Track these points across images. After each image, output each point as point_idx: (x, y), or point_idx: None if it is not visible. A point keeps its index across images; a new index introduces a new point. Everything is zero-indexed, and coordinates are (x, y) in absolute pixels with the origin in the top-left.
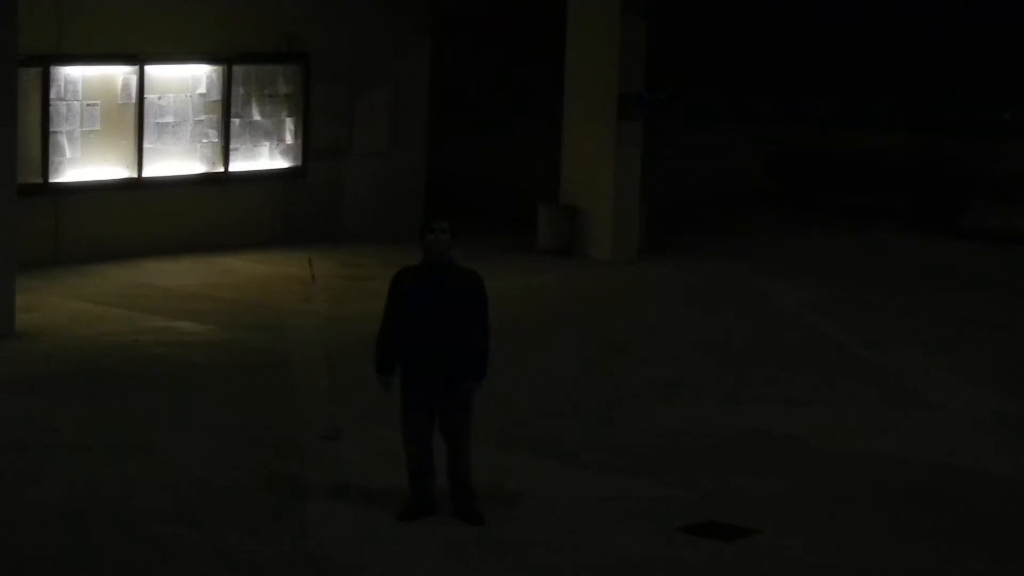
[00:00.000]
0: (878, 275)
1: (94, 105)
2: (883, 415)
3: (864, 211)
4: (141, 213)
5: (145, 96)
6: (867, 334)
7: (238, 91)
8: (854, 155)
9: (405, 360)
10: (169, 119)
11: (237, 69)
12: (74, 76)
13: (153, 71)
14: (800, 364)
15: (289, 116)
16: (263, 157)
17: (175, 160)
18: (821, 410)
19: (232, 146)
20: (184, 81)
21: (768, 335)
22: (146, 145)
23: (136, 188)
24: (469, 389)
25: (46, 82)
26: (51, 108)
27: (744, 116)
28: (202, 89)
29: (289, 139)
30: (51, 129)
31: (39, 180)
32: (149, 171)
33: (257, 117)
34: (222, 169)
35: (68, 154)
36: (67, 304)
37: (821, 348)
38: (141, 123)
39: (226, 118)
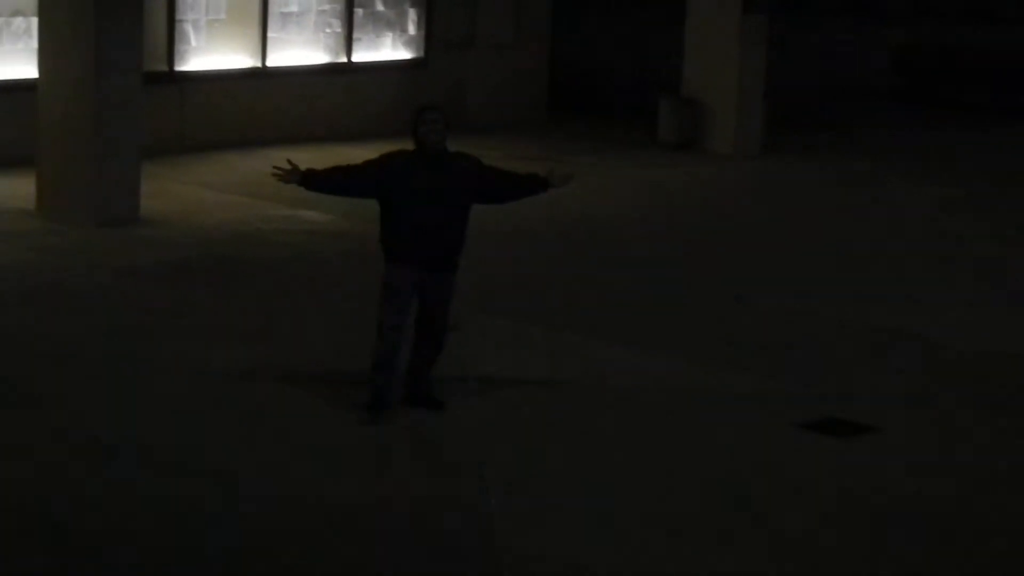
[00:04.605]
0: (1008, 175)
1: None
2: (1007, 315)
3: (996, 110)
4: (265, 102)
5: None
6: (995, 234)
7: None
8: (985, 52)
9: (395, 245)
10: (293, 8)
11: None
12: None
13: None
14: (926, 263)
15: (412, 7)
16: (386, 48)
17: (299, 50)
18: (945, 309)
19: (355, 36)
20: None
21: (893, 233)
22: (270, 34)
23: (260, 77)
24: (452, 283)
25: None
26: None
27: (873, 12)
28: None
29: (412, 30)
30: (177, 17)
31: (165, 68)
32: (273, 60)
33: (380, 7)
34: (345, 59)
35: (193, 42)
36: (191, 192)
37: (948, 247)
38: (265, 12)
39: (349, 8)
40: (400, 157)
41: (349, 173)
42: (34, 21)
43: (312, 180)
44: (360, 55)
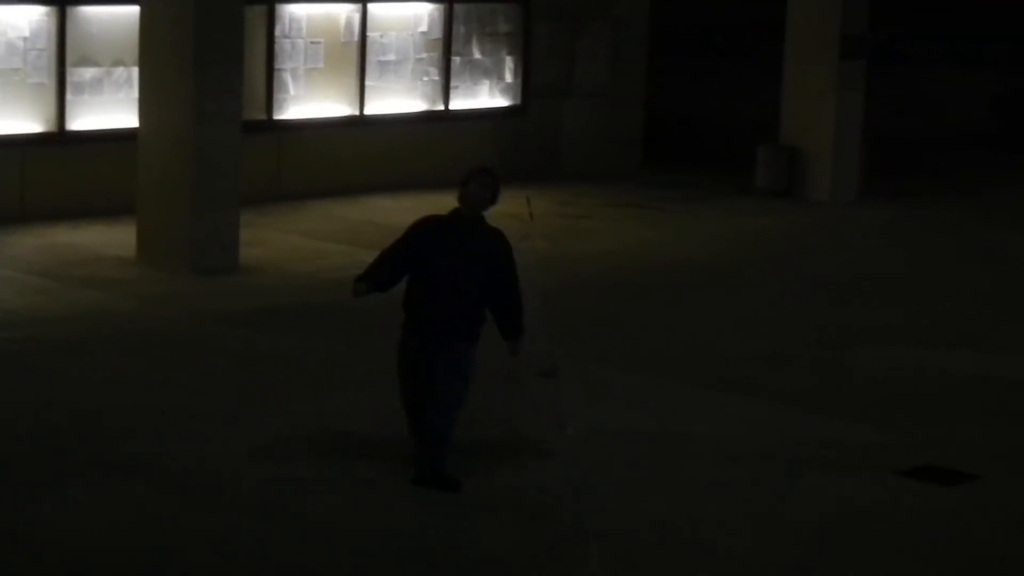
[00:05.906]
0: None
1: (317, 43)
2: None
3: None
4: (362, 150)
5: (368, 34)
6: None
7: (459, 29)
8: None
9: (407, 309)
10: (391, 57)
11: (458, 7)
12: (298, 14)
13: (376, 9)
14: None
15: (509, 55)
16: (483, 96)
17: (396, 98)
18: None
19: (452, 84)
20: (406, 19)
21: (991, 281)
22: (368, 83)
23: (358, 125)
24: (463, 353)
25: (271, 20)
26: (276, 45)
27: (970, 59)
28: (423, 27)
29: (509, 78)
30: (275, 66)
31: (263, 117)
32: (371, 109)
33: (478, 56)
34: (442, 107)
35: (292, 91)
36: (288, 239)
37: None
38: (363, 61)
39: (447, 56)
40: (430, 222)
41: (390, 258)
42: (135, 71)
43: (372, 282)
44: (457, 103)
